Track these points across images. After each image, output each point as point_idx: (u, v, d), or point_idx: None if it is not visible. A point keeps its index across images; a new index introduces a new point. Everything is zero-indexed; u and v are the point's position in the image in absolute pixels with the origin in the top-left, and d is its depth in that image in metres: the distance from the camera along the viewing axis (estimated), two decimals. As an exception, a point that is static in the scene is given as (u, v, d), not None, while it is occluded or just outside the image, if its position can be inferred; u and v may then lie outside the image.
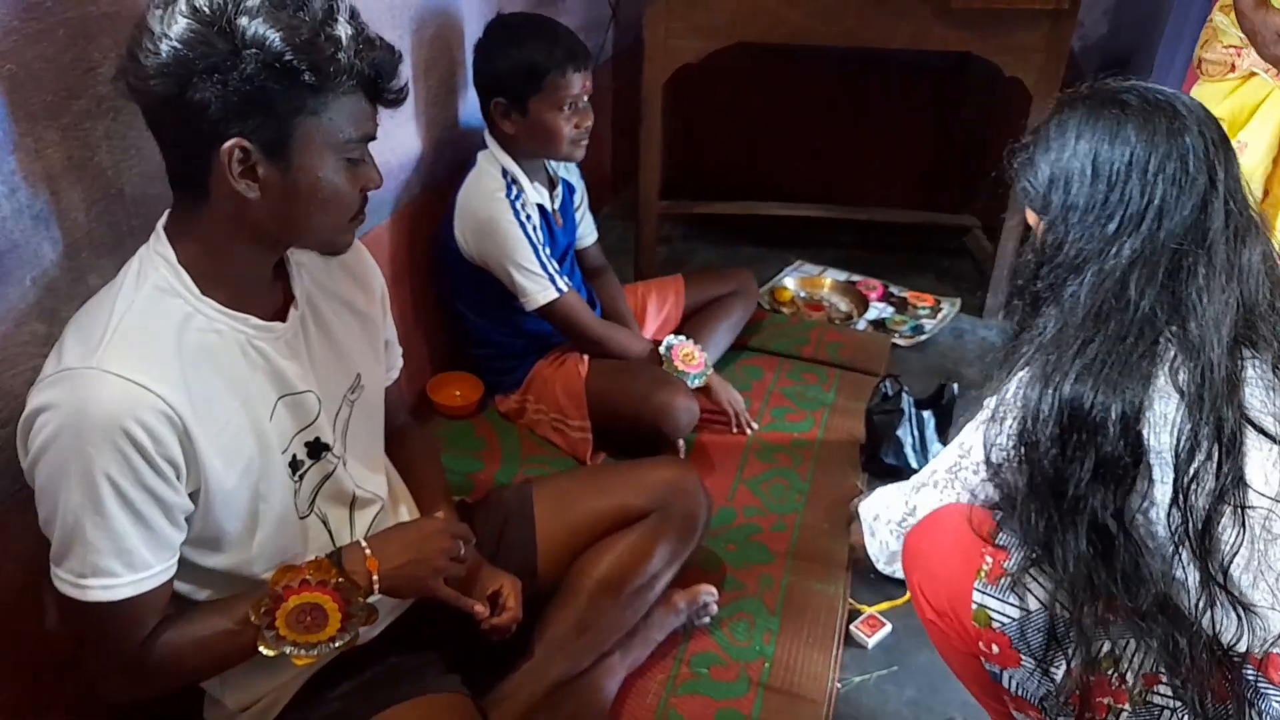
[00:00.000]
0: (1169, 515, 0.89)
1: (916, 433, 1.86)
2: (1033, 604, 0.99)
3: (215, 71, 0.88)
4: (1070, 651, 0.95)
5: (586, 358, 1.93)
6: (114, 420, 0.89)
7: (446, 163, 1.94)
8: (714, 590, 1.55)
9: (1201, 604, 0.89)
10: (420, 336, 2.00)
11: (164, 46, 0.87)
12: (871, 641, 1.54)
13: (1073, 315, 0.97)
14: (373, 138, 1.01)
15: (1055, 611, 0.96)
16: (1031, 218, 1.11)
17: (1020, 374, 1.00)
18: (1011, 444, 0.98)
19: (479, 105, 1.85)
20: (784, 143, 3.04)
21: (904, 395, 1.88)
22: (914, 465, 1.87)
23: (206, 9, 0.88)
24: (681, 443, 1.91)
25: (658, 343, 1.96)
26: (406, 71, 1.02)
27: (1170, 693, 0.92)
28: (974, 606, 1.03)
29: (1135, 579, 0.91)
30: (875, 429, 1.89)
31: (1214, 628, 0.90)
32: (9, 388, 1.02)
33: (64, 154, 1.02)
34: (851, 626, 1.56)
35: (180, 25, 0.87)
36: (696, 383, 1.93)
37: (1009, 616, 1.00)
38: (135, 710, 1.24)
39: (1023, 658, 1.00)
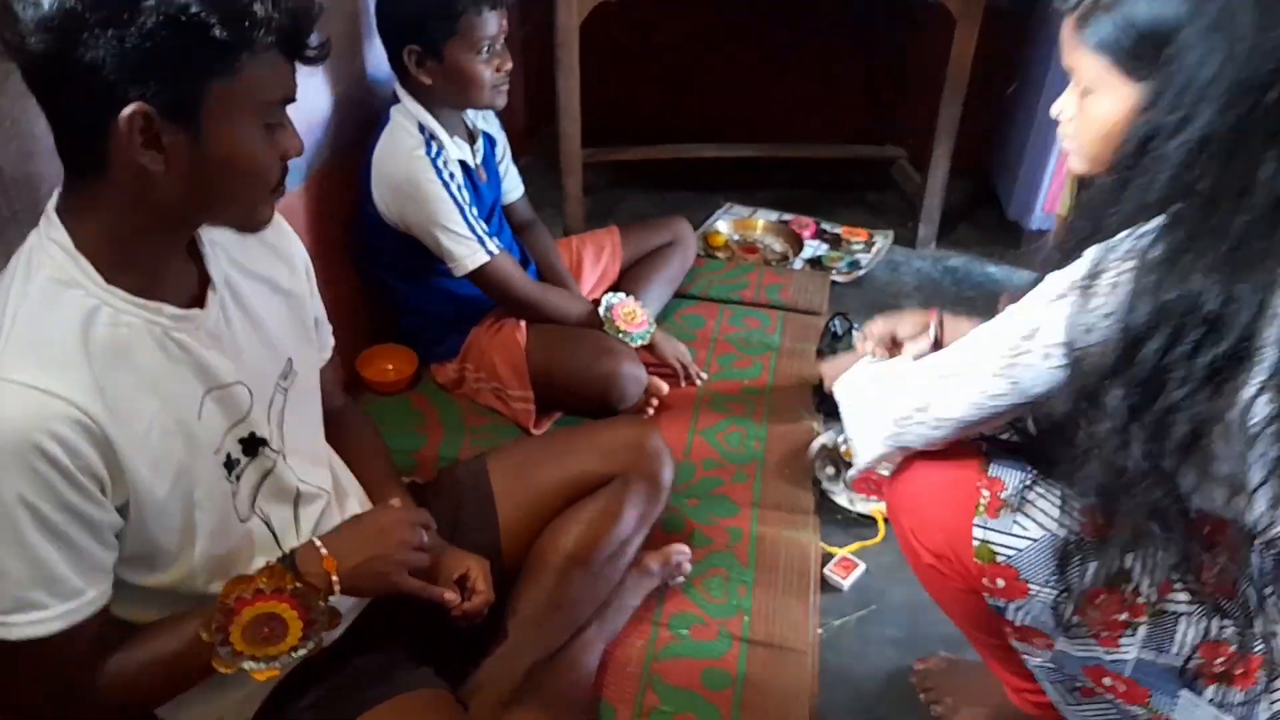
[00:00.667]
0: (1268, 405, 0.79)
1: (869, 369, 1.83)
2: (1037, 532, 0.96)
3: (110, 26, 0.75)
4: (1090, 572, 0.91)
5: (524, 323, 1.83)
6: (22, 436, 0.78)
7: (356, 121, 1.80)
8: (686, 549, 1.50)
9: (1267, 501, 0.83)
10: (345, 310, 1.86)
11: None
12: (847, 584, 1.52)
13: (1194, 190, 0.82)
14: (292, 99, 0.89)
15: (1073, 532, 0.92)
16: (1114, 77, 0.96)
17: (1119, 250, 0.86)
18: (1109, 325, 0.84)
19: (386, 56, 1.71)
20: (704, 82, 2.95)
21: (854, 332, 1.85)
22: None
23: None
24: (663, 386, 1.85)
25: (597, 302, 1.88)
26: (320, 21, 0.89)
27: (1186, 598, 0.90)
28: (975, 544, 0.99)
29: (1201, 479, 0.86)
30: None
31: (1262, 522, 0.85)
32: (-114, 406, 0.88)
33: (-71, 132, 0.87)
34: (825, 570, 1.54)
35: None
36: (640, 341, 1.86)
37: (1014, 548, 0.97)
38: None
39: (1031, 586, 0.96)
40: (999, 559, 0.98)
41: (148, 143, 0.81)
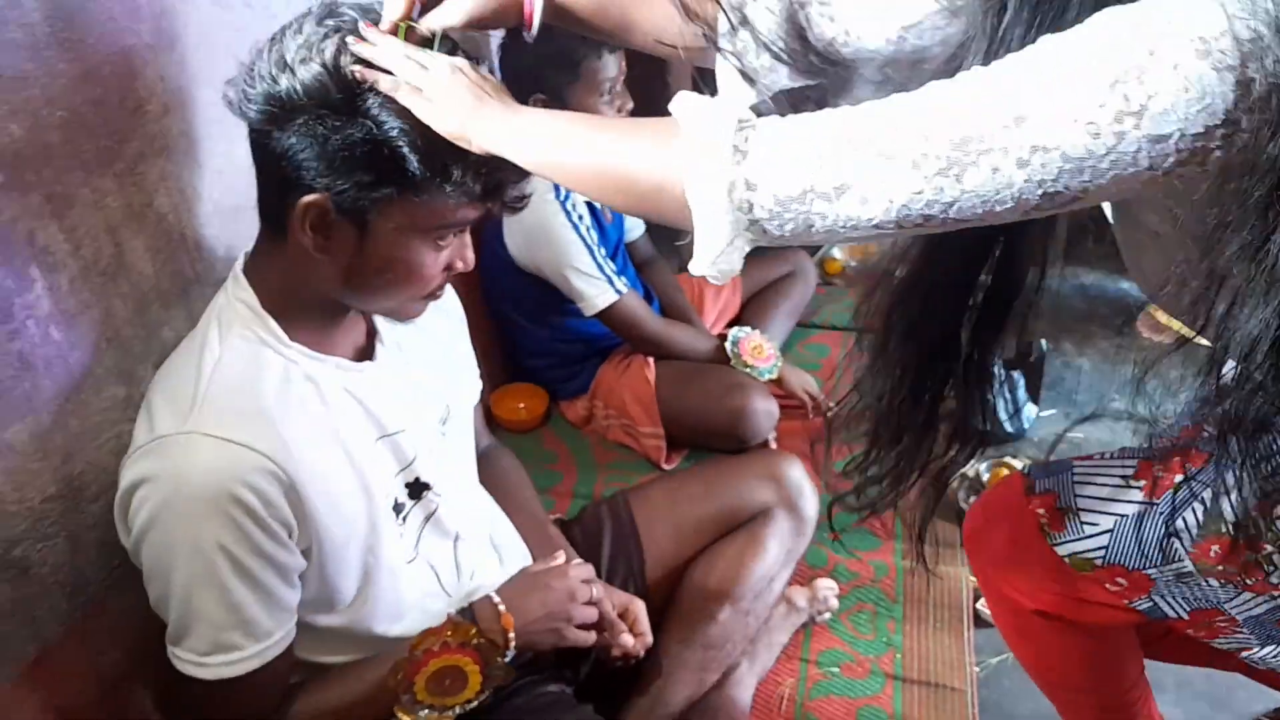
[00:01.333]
0: None
1: (1009, 395, 1.78)
2: (1108, 521, 0.90)
3: (320, 123, 0.81)
4: (1185, 528, 0.84)
5: (652, 360, 1.85)
6: (221, 487, 0.82)
7: (486, 169, 1.86)
8: (833, 584, 1.48)
9: None
10: (476, 351, 1.91)
11: (284, 81, 0.81)
12: (1001, 619, 1.46)
13: None
14: (472, 222, 0.91)
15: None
16: None
17: None
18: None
19: (519, 105, 1.76)
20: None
21: (992, 357, 1.79)
22: (1008, 429, 1.79)
23: (349, 73, 0.81)
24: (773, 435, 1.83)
25: (722, 337, 1.88)
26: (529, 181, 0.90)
27: None
28: (1066, 560, 0.93)
29: None
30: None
31: None
32: (95, 460, 0.95)
33: (123, 202, 0.94)
34: (978, 605, 1.49)
35: (312, 69, 0.81)
36: (768, 375, 1.85)
37: (1101, 546, 0.91)
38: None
39: (1149, 571, 0.89)
40: (1098, 562, 0.92)
41: (316, 227, 0.85)
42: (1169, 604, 0.93)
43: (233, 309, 0.91)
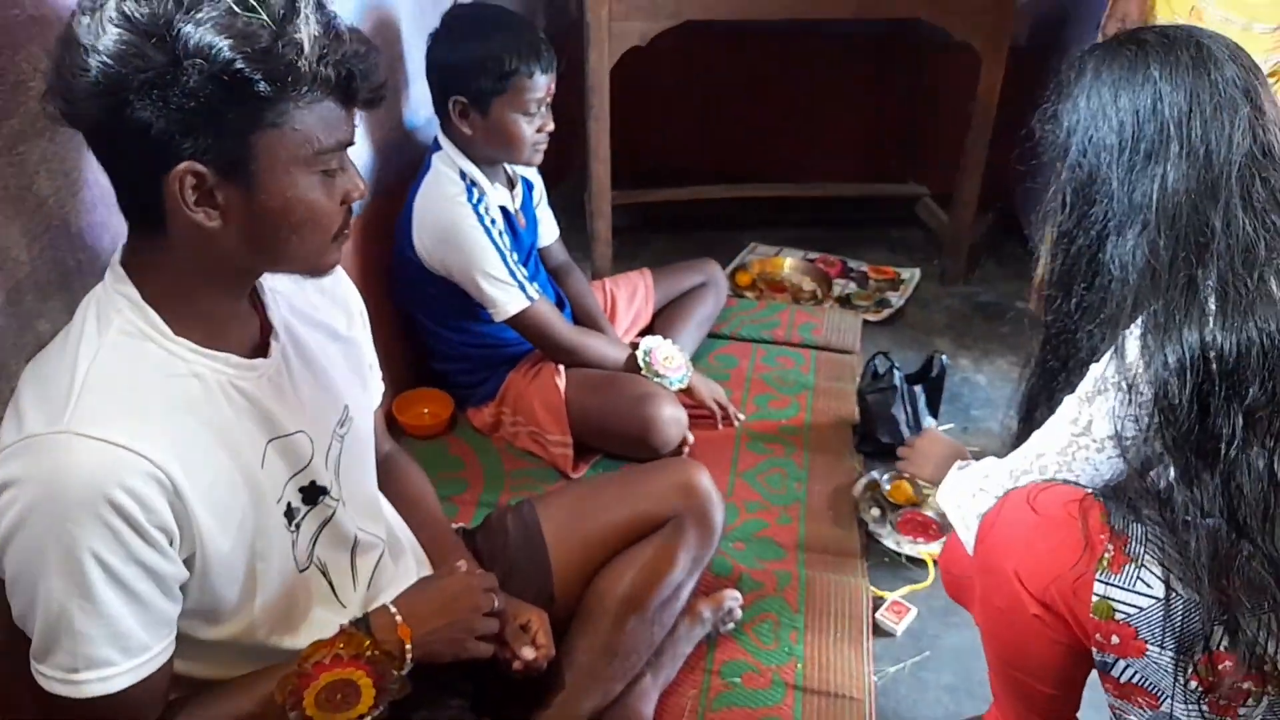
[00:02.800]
0: None
1: (909, 408, 1.82)
2: (1161, 590, 0.92)
3: (153, 87, 0.75)
4: (1213, 637, 0.89)
5: (562, 367, 1.83)
6: (97, 490, 0.77)
7: (395, 166, 1.81)
8: (738, 594, 1.48)
9: None
10: (380, 355, 1.86)
11: (92, 62, 0.75)
12: (900, 628, 1.50)
13: (1157, 260, 0.90)
14: (349, 143, 0.88)
15: (1195, 594, 0.90)
16: (1061, 170, 1.06)
17: (1131, 335, 0.93)
18: (1145, 412, 0.90)
19: (432, 102, 1.72)
20: (725, 123, 2.97)
21: (895, 372, 1.83)
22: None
23: (141, 15, 0.75)
24: (690, 436, 1.83)
25: (634, 346, 1.87)
26: (382, 65, 0.89)
27: None
28: (1095, 599, 0.95)
29: None
30: (869, 409, 1.84)
31: None
32: (-43, 460, 0.87)
33: (-2, 184, 0.88)
34: (877, 615, 1.51)
35: (110, 37, 0.74)
36: (679, 385, 1.85)
37: (1136, 606, 0.93)
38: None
39: (1149, 647, 0.93)
40: (1118, 616, 0.94)
41: (201, 200, 0.80)
42: (1127, 672, 0.97)
43: (112, 302, 0.86)
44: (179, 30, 0.75)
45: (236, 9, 0.76)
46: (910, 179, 2.85)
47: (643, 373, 1.83)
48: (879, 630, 1.50)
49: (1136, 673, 0.96)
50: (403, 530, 1.22)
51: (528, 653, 1.13)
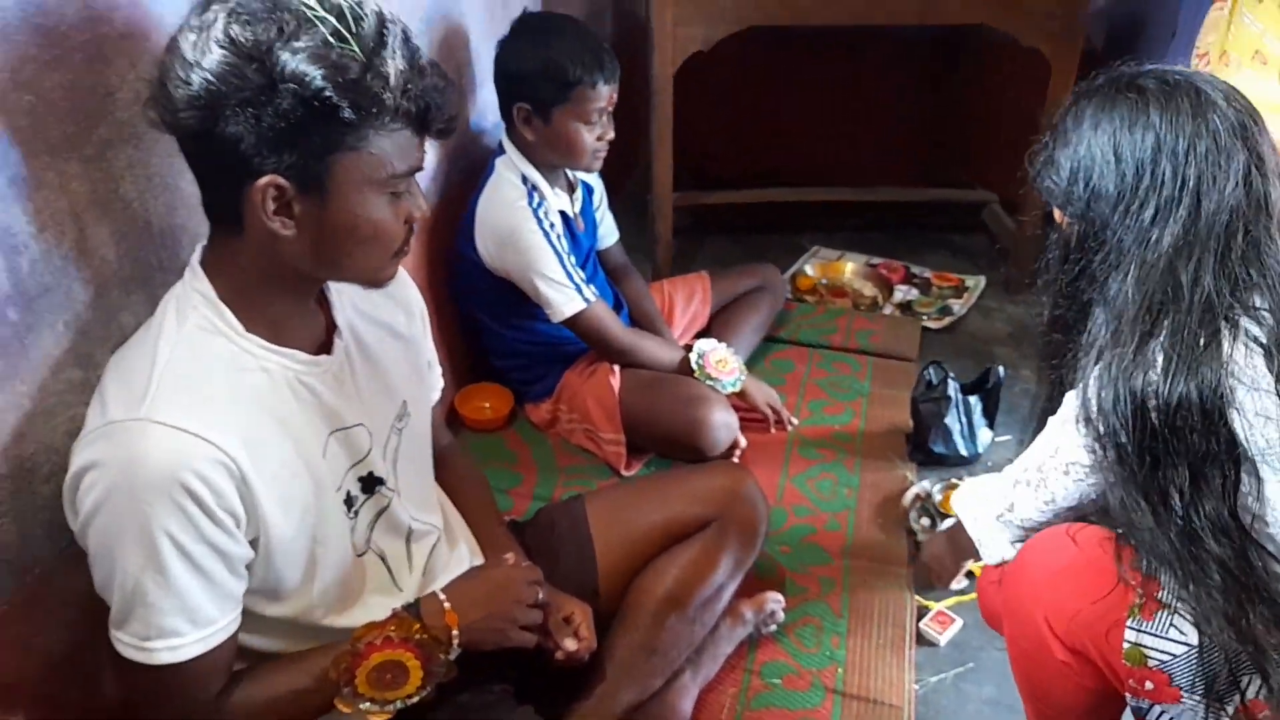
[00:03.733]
0: None
1: (964, 419, 1.81)
2: (1195, 637, 0.92)
3: (249, 105, 0.81)
4: (1243, 684, 0.89)
5: (617, 367, 1.87)
6: (171, 475, 0.83)
7: (460, 168, 1.87)
8: (780, 597, 1.50)
9: None
10: (443, 350, 1.92)
11: (195, 77, 0.81)
12: (944, 638, 1.49)
13: (1125, 311, 0.93)
14: (419, 169, 0.93)
15: (1222, 641, 0.89)
16: (1059, 216, 1.09)
17: (1092, 374, 0.95)
18: (1099, 445, 0.94)
19: (498, 107, 1.77)
20: (788, 126, 2.97)
21: (950, 381, 1.83)
22: (963, 453, 1.82)
23: (245, 40, 0.81)
24: (741, 439, 1.85)
25: (688, 348, 1.90)
26: (458, 100, 0.94)
27: None
28: (1126, 645, 0.95)
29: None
30: (922, 418, 1.84)
31: None
32: (49, 441, 0.95)
33: (88, 187, 0.95)
34: (921, 624, 1.51)
35: (214, 56, 0.81)
36: (731, 389, 1.87)
37: (1170, 653, 0.93)
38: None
39: (1184, 695, 0.93)
40: (1151, 663, 0.94)
41: (279, 210, 0.86)
42: (1168, 718, 0.97)
43: (189, 299, 0.92)
44: (278, 57, 0.81)
45: (332, 40, 0.82)
46: (976, 184, 2.81)
47: (696, 375, 1.85)
48: (922, 640, 1.50)
49: (1173, 718, 0.95)
50: (458, 521, 1.27)
51: (570, 644, 1.17)
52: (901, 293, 2.52)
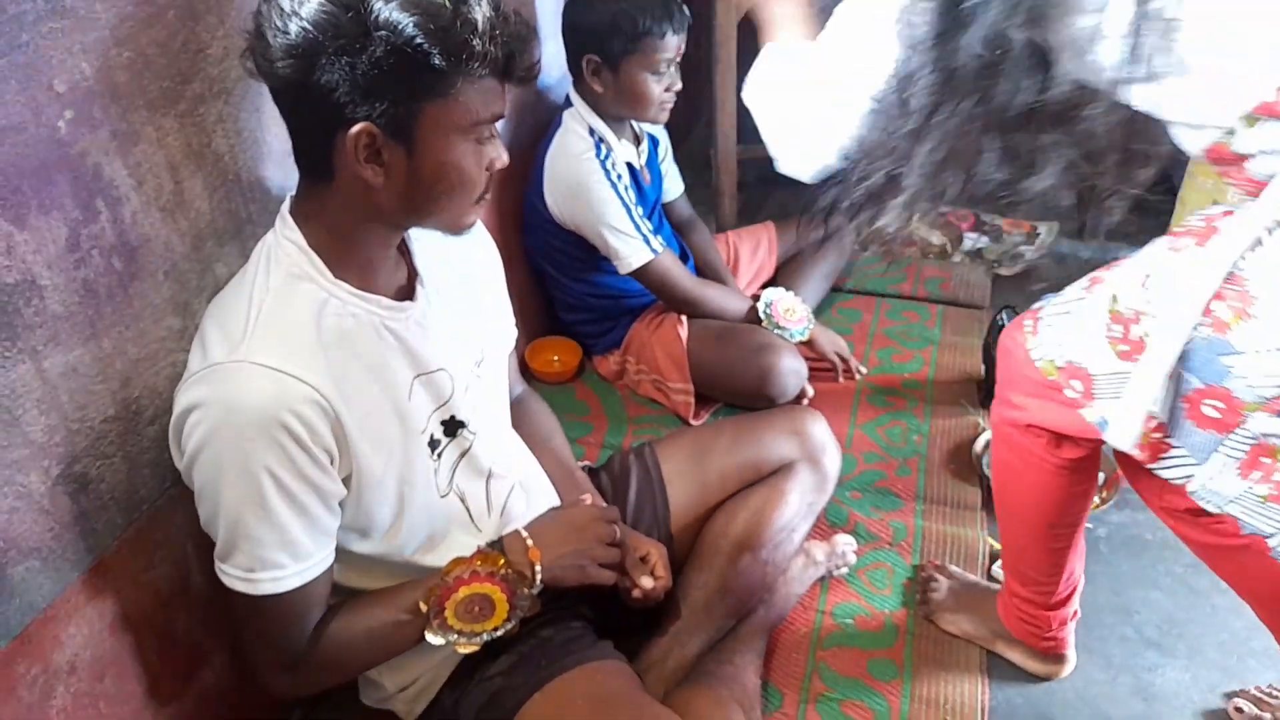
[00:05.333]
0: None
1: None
2: (1067, 321, 1.00)
3: (344, 54, 0.84)
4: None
5: (684, 318, 1.88)
6: (269, 413, 0.88)
7: (529, 122, 1.89)
8: (852, 540, 1.51)
9: None
10: (513, 303, 1.96)
11: (294, 26, 0.84)
12: (1017, 582, 1.49)
13: None
14: (502, 116, 0.96)
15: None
16: None
17: None
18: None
19: (565, 60, 1.78)
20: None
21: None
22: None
23: None
24: (809, 388, 1.86)
25: (755, 298, 1.91)
26: (539, 45, 0.96)
27: None
28: (1037, 363, 1.04)
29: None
30: (994, 363, 1.81)
31: None
32: (153, 385, 1.00)
33: (183, 141, 0.99)
34: (994, 568, 1.51)
35: (312, 5, 0.84)
36: (799, 338, 1.87)
37: (1058, 343, 1.01)
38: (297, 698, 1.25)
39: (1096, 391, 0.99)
40: (1058, 362, 1.01)
41: (370, 157, 0.89)
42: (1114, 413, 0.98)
43: (281, 248, 0.96)
44: (372, 5, 0.83)
45: None
46: (1051, 128, 2.73)
47: (764, 324, 1.86)
48: (995, 581, 1.50)
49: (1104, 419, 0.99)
50: (534, 466, 1.30)
51: (646, 582, 1.20)
52: (971, 240, 2.47)
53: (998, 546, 1.55)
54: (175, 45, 0.96)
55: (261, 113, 1.10)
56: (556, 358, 2.02)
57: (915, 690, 1.33)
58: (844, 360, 1.95)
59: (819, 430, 1.42)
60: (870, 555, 1.54)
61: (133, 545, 1.01)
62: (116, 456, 0.98)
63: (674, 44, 1.69)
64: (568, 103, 1.80)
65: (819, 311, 2.13)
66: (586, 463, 1.45)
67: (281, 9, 0.84)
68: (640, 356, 1.93)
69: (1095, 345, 0.97)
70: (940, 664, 1.37)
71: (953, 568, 1.48)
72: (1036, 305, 1.10)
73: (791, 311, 1.88)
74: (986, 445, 1.72)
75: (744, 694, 1.26)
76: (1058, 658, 1.34)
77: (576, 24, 1.73)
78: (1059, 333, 1.03)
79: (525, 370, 1.98)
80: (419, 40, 0.84)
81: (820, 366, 1.94)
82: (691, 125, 2.94)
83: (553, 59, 1.85)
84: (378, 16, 0.83)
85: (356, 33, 0.83)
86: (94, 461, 0.95)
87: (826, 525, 1.57)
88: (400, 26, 0.83)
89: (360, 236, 0.97)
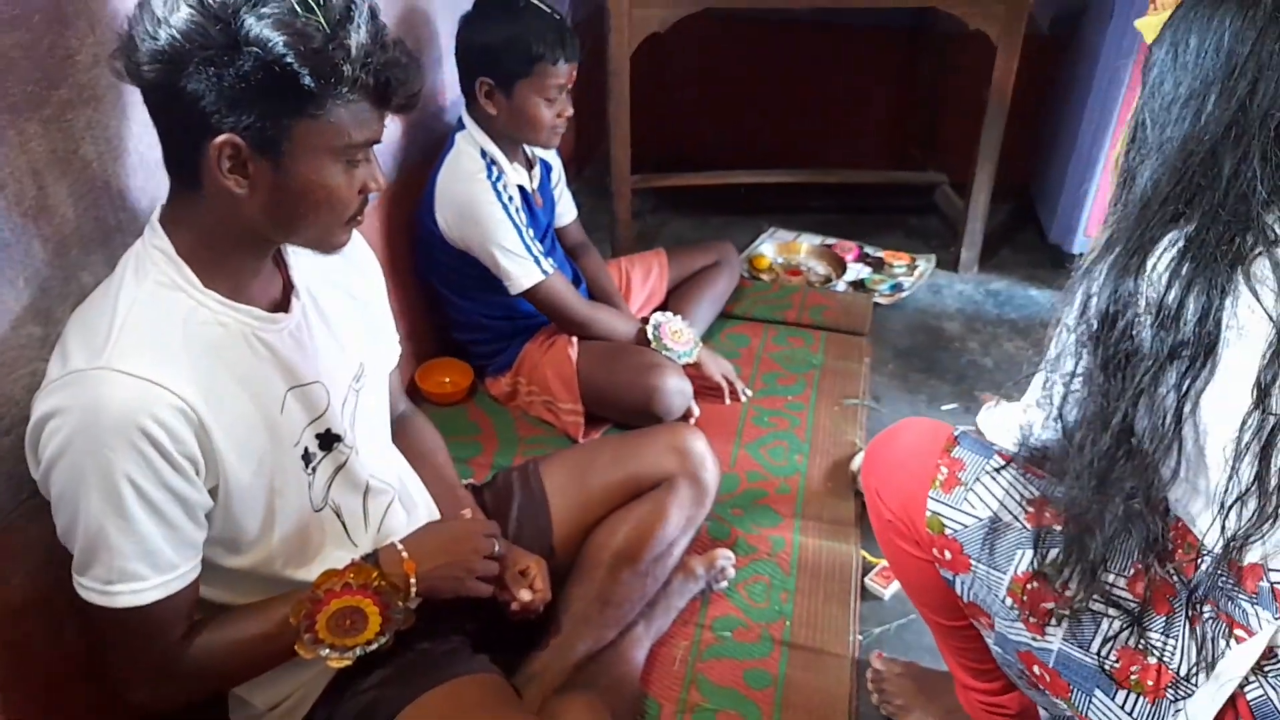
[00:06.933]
0: (1247, 415, 0.84)
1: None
2: (984, 512, 1.02)
3: (211, 65, 0.84)
4: (1037, 554, 0.97)
5: (575, 339, 1.91)
6: (131, 420, 0.86)
7: (420, 144, 1.90)
8: (731, 554, 1.55)
9: (1227, 502, 0.87)
10: (405, 324, 1.94)
11: (163, 33, 0.84)
12: (887, 593, 1.55)
13: (1157, 191, 0.90)
14: (376, 141, 0.97)
15: (1015, 518, 1.00)
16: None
17: (1104, 261, 0.92)
18: (1085, 326, 0.92)
19: (459, 81, 1.81)
20: (746, 109, 3.03)
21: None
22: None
23: (214, 1, 0.84)
24: (695, 407, 1.91)
25: (645, 321, 1.95)
26: (420, 77, 0.97)
27: (1112, 602, 0.93)
28: (928, 514, 1.06)
29: (1153, 472, 0.90)
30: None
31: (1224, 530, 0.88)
32: (9, 393, 0.98)
33: (48, 146, 0.97)
34: (866, 579, 1.57)
35: (183, 14, 0.84)
36: (686, 359, 1.92)
37: (961, 524, 1.03)
38: (161, 717, 1.21)
39: (973, 563, 1.02)
40: (947, 531, 1.04)
41: (234, 168, 0.89)
42: (965, 589, 1.05)
43: (149, 256, 0.95)
44: (243, 20, 0.84)
45: (298, 9, 0.86)
46: (930, 167, 2.88)
47: (652, 346, 1.90)
48: (868, 594, 1.56)
49: (970, 589, 1.04)
50: (415, 484, 1.30)
51: (525, 595, 1.21)
52: (855, 271, 2.58)
53: (871, 560, 1.62)
54: (41, 49, 0.95)
55: (133, 121, 1.09)
56: (448, 379, 2.02)
57: (787, 698, 1.37)
58: (730, 383, 2.01)
59: (698, 445, 1.46)
60: (750, 568, 1.59)
61: (-16, 559, 0.98)
62: (-33, 467, 0.95)
63: (565, 71, 1.73)
64: (460, 125, 1.82)
65: (708, 336, 2.19)
66: (470, 481, 1.46)
67: (154, 14, 0.84)
68: (531, 377, 1.94)
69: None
70: (812, 671, 1.41)
71: (892, 660, 1.42)
72: (957, 454, 1.07)
73: (679, 334, 1.93)
74: (862, 464, 1.79)
75: (622, 704, 1.28)
76: None
77: (471, 45, 1.76)
78: (966, 514, 1.04)
79: (416, 391, 1.98)
80: (288, 60, 0.85)
81: (708, 388, 1.99)
82: (590, 156, 2.99)
83: (448, 81, 1.87)
84: (248, 32, 0.84)
85: (225, 45, 0.84)
86: (-58, 472, 0.92)
87: (708, 539, 1.61)
88: (270, 44, 0.84)
89: (230, 246, 0.97)
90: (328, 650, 1.01)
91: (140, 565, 0.91)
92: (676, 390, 1.82)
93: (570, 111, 1.80)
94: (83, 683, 1.13)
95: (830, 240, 2.71)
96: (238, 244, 0.97)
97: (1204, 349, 0.83)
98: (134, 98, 1.07)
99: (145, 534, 0.90)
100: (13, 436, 0.98)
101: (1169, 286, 0.85)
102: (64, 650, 1.10)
